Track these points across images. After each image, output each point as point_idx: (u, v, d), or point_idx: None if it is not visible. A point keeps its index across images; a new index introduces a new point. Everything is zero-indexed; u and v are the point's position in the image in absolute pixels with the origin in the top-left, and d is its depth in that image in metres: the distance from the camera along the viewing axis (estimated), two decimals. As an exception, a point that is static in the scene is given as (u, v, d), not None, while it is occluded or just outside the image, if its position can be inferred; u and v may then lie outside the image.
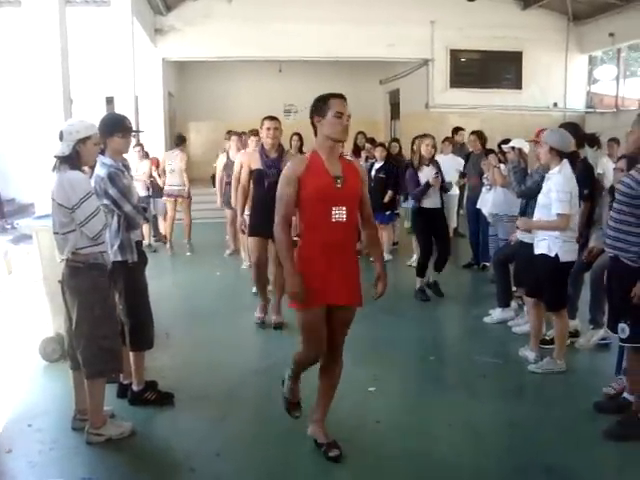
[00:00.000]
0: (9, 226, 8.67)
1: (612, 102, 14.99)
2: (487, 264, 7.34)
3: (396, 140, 9.76)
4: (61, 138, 3.32)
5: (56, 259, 3.51)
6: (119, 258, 3.62)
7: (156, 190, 9.81)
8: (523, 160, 5.28)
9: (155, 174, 9.78)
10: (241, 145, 8.17)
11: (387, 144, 9.68)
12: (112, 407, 3.69)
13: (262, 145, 5.51)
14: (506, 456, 3.39)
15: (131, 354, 3.82)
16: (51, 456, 3.34)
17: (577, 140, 4.50)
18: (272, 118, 5.48)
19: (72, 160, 3.30)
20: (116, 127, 3.71)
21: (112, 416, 3.61)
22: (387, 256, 8.53)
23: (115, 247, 3.62)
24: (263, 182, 5.35)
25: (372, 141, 9.37)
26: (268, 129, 5.38)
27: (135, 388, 3.90)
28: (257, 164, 5.44)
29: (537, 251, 4.42)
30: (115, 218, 3.58)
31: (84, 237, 3.29)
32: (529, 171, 5.24)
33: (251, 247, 5.69)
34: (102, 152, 3.62)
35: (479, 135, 8.10)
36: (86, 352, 3.31)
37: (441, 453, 3.35)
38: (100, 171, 3.59)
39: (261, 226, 5.30)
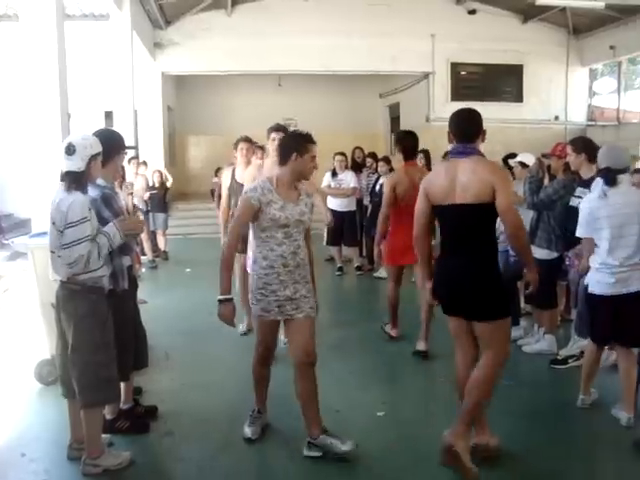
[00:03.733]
0: (7, 242, 8.54)
1: (613, 115, 14.96)
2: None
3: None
4: (73, 152, 3.06)
5: (49, 277, 3.34)
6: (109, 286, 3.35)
7: (155, 204, 9.70)
8: (542, 171, 5.11)
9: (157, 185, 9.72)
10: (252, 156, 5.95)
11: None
12: (109, 436, 3.53)
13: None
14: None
15: None
16: (45, 488, 3.18)
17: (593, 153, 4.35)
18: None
19: (83, 177, 3.09)
20: (121, 146, 3.61)
21: (110, 444, 3.45)
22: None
23: (107, 275, 3.33)
24: None
25: (373, 155, 9.16)
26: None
27: (108, 417, 3.63)
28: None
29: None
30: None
31: None
32: (545, 183, 5.10)
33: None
34: None
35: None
36: (82, 380, 3.13)
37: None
38: (92, 192, 3.31)
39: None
